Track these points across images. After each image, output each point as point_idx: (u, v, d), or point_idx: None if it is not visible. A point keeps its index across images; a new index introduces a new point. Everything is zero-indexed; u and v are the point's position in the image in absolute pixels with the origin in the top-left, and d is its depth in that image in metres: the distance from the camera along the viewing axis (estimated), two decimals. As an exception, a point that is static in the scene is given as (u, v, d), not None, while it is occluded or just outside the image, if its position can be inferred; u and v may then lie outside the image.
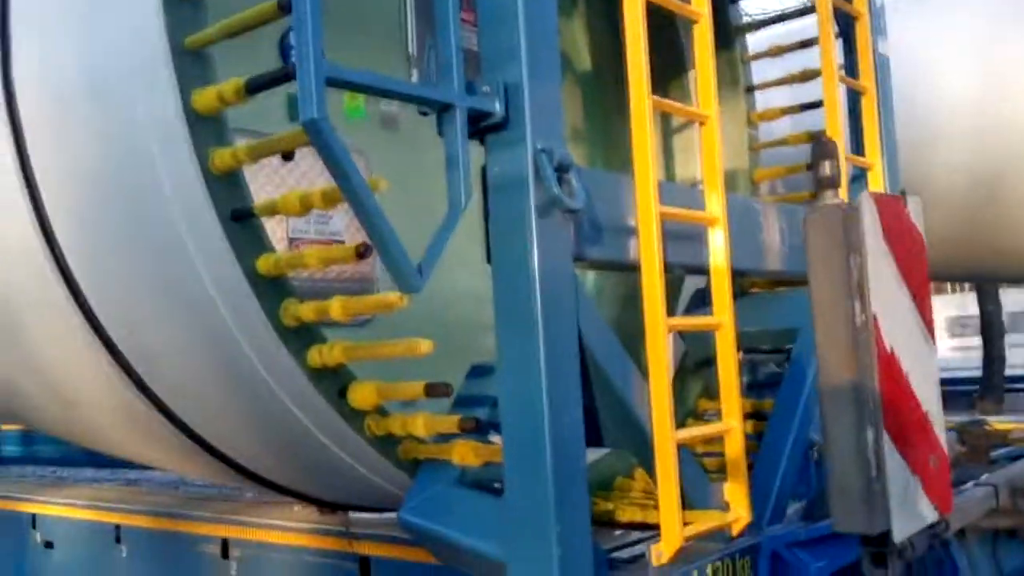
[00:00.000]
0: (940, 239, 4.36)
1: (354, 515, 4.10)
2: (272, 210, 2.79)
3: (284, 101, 4.03)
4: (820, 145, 2.74)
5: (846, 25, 4.12)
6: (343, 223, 4.37)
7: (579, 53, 5.40)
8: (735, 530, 2.94)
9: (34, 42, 3.17)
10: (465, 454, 2.83)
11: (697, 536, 2.77)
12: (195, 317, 2.95)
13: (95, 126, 2.97)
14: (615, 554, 3.19)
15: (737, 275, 3.18)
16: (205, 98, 2.71)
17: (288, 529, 4.25)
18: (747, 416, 3.58)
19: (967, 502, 3.73)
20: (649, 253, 2.70)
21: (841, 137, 3.75)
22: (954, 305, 16.16)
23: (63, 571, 5.57)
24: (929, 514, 2.72)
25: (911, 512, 2.61)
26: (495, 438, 2.77)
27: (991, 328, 10.41)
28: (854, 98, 4.14)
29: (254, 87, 2.59)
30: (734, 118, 4.96)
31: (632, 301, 4.57)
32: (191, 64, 2.75)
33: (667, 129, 5.18)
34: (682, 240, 3.00)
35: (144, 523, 5.03)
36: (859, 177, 4.07)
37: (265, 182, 3.97)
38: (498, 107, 2.50)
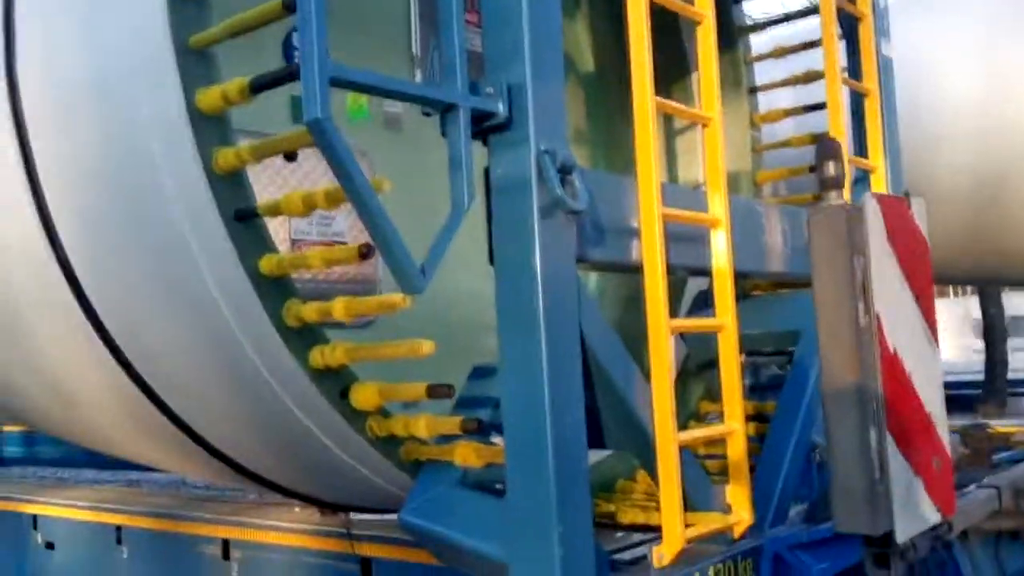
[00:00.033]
0: (943, 242, 4.36)
1: (355, 516, 4.10)
2: (275, 210, 2.79)
3: (287, 102, 4.03)
4: (824, 145, 2.74)
5: (849, 27, 4.12)
6: (346, 224, 4.37)
7: (582, 54, 5.41)
8: (737, 532, 2.94)
9: (38, 41, 3.17)
10: (467, 455, 2.82)
11: (699, 538, 2.76)
12: (197, 317, 2.95)
13: (99, 125, 2.96)
14: (617, 556, 3.19)
15: (740, 277, 3.18)
16: (209, 97, 2.70)
17: (289, 530, 4.25)
18: (749, 418, 3.57)
19: (970, 504, 3.72)
20: (652, 255, 2.70)
21: (844, 139, 3.75)
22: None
23: (64, 572, 5.58)
24: (932, 515, 2.71)
25: (914, 513, 2.61)
26: (497, 439, 2.77)
27: (993, 332, 10.39)
28: (857, 100, 4.14)
29: (258, 86, 2.59)
30: (737, 120, 4.96)
31: (634, 303, 4.57)
32: (195, 63, 2.75)
33: (670, 131, 5.18)
34: (685, 242, 3.00)
35: (145, 524, 5.04)
36: (862, 179, 4.07)
37: (268, 183, 3.97)
38: (501, 108, 2.50)
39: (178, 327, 3.08)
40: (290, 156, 3.94)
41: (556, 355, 2.47)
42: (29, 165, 3.15)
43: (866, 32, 4.09)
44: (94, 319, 3.22)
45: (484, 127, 2.53)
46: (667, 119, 5.07)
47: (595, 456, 3.08)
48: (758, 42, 5.23)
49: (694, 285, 4.57)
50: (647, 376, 2.75)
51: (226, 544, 4.48)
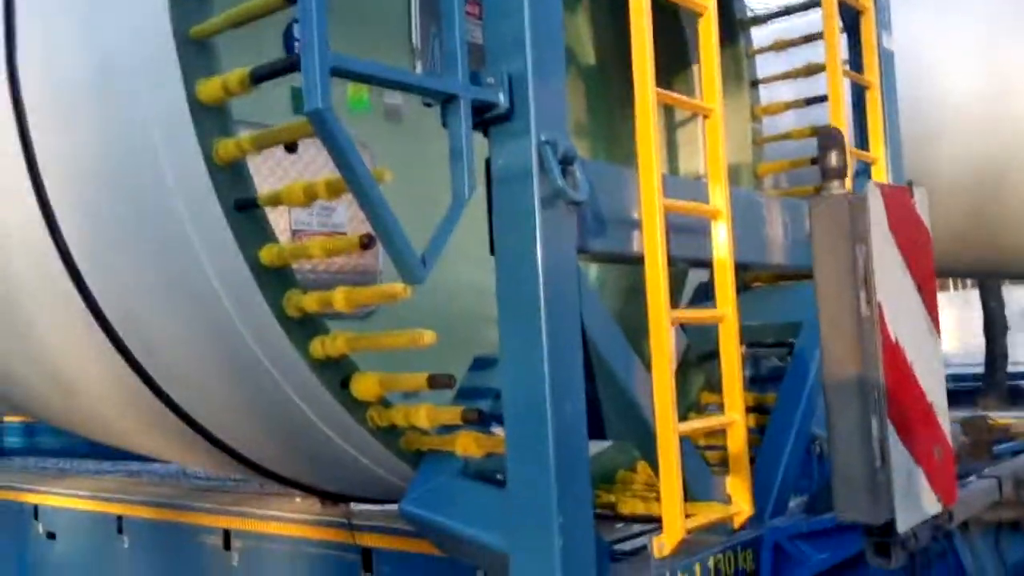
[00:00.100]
0: (943, 234, 4.36)
1: (356, 507, 4.10)
2: (276, 200, 2.79)
3: (288, 94, 4.03)
4: (826, 135, 2.74)
5: (851, 19, 4.12)
6: (346, 216, 4.37)
7: (583, 46, 5.40)
8: (737, 523, 2.95)
9: (39, 32, 3.17)
10: (468, 445, 2.83)
11: (699, 529, 2.77)
12: (198, 306, 2.95)
13: (99, 116, 2.96)
14: (617, 546, 3.20)
15: (740, 268, 3.18)
16: (210, 88, 2.70)
17: (290, 520, 4.26)
18: (749, 410, 3.58)
19: (971, 494, 3.72)
20: (653, 246, 2.70)
21: (846, 132, 3.75)
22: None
23: (65, 562, 5.59)
24: (933, 505, 2.71)
25: (915, 503, 2.61)
26: (498, 429, 2.77)
27: (994, 325, 10.41)
28: (858, 93, 4.14)
29: (259, 77, 2.59)
30: (738, 112, 4.96)
31: (635, 294, 4.58)
32: (196, 54, 2.75)
33: (671, 123, 5.18)
34: (686, 233, 3.00)
35: (146, 514, 5.05)
36: (863, 172, 4.07)
37: (268, 174, 3.97)
38: (502, 98, 2.50)
39: (178, 316, 3.09)
40: (291, 147, 3.95)
41: (557, 346, 2.48)
42: (30, 155, 3.15)
43: (868, 25, 4.09)
44: (94, 308, 3.23)
45: (485, 118, 2.53)
46: (668, 111, 5.07)
47: (596, 447, 3.09)
48: (759, 35, 5.22)
49: (695, 276, 4.57)
50: (648, 367, 2.75)
51: (227, 534, 4.49)
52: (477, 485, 2.85)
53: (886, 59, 4.23)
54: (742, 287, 4.08)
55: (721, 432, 3.01)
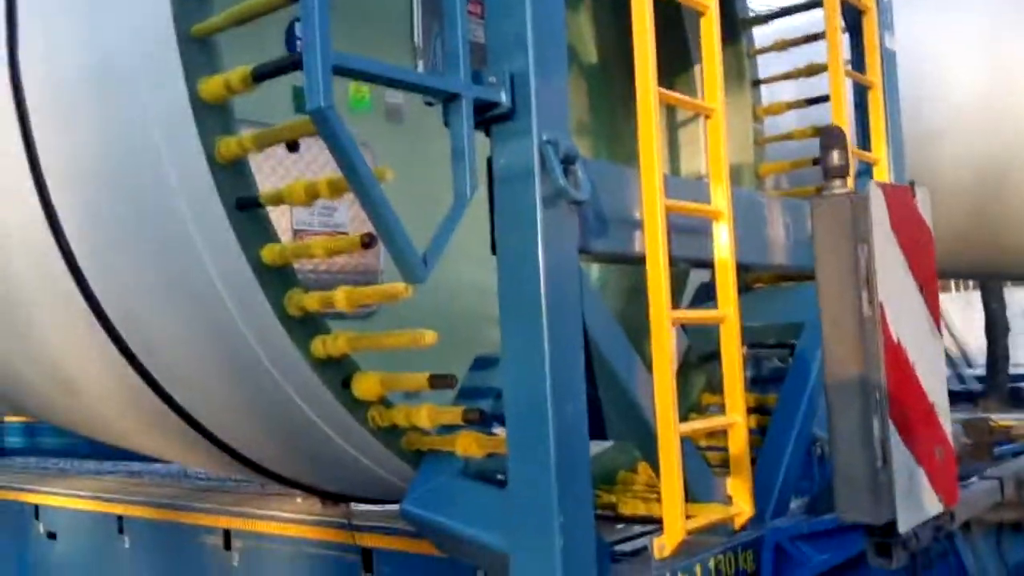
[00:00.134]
0: (944, 235, 4.36)
1: (356, 507, 4.10)
2: (278, 199, 2.78)
3: (290, 93, 4.02)
4: (828, 134, 2.73)
5: (853, 19, 4.12)
6: (347, 215, 4.37)
7: (585, 46, 5.40)
8: (738, 524, 2.94)
9: (41, 30, 3.16)
10: (468, 445, 2.82)
11: (700, 529, 2.76)
12: (199, 306, 2.95)
13: (101, 114, 2.96)
14: (618, 547, 3.19)
15: (742, 269, 3.18)
16: (212, 86, 2.70)
17: (290, 520, 4.26)
18: (750, 410, 3.58)
19: (972, 495, 3.72)
20: (654, 246, 2.69)
21: (848, 132, 3.74)
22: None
23: (66, 562, 5.59)
24: (934, 506, 2.71)
25: (916, 503, 2.61)
26: (499, 430, 2.77)
27: (995, 326, 10.40)
28: (860, 93, 4.14)
29: (261, 75, 2.59)
30: (740, 112, 4.96)
31: (636, 294, 4.58)
32: (198, 52, 2.75)
33: (673, 122, 5.18)
34: (687, 233, 3.00)
35: (147, 514, 5.05)
36: (865, 172, 4.07)
37: (270, 173, 3.97)
38: (504, 97, 2.50)
39: (180, 316, 3.08)
40: (292, 146, 3.94)
41: (558, 346, 2.47)
42: (32, 154, 3.15)
43: (870, 25, 4.09)
44: (96, 308, 3.22)
45: (487, 117, 2.53)
46: (670, 111, 5.06)
47: (596, 447, 3.09)
48: (761, 34, 5.22)
49: (696, 277, 4.57)
50: (649, 367, 2.75)
51: (227, 534, 4.49)
52: (478, 485, 2.84)
53: (888, 59, 4.22)
54: (743, 288, 4.07)
55: (722, 433, 3.01)
